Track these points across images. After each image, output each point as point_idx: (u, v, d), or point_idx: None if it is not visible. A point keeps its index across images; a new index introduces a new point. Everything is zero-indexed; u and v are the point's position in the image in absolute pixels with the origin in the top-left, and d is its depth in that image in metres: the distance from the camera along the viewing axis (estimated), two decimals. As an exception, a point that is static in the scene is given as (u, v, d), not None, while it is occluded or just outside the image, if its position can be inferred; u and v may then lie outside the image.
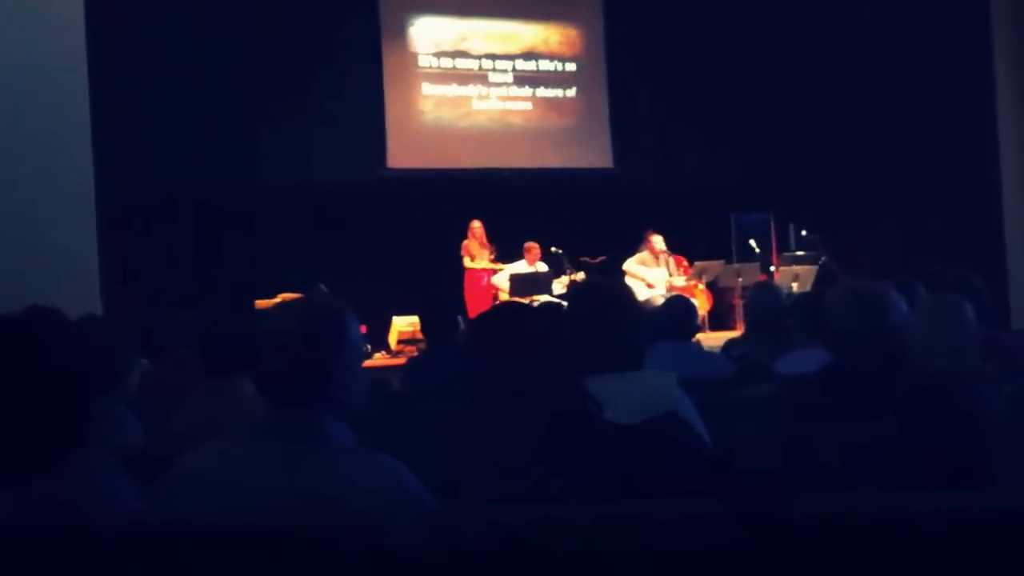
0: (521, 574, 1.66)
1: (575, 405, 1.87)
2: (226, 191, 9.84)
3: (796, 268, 9.85)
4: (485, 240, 10.21)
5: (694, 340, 4.67)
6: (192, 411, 2.94)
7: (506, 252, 10.18)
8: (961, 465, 2.14)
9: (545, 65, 11.51)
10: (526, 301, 9.09)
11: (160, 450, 2.46)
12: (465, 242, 10.19)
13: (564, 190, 10.89)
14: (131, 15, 9.36)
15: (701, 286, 10.21)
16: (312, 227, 10.14)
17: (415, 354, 7.31)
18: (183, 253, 9.94)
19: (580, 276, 9.88)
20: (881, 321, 2.66)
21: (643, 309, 2.41)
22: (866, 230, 10.21)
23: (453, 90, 11.16)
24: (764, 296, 4.47)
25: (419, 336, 7.61)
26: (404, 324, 9.31)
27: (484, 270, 10.20)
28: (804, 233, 10.66)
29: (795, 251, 10.77)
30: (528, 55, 11.45)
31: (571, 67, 11.61)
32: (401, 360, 7.72)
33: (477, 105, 11.25)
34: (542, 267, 10.11)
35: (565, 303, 5.21)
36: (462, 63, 11.20)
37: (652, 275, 10.13)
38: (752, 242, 10.82)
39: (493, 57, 11.31)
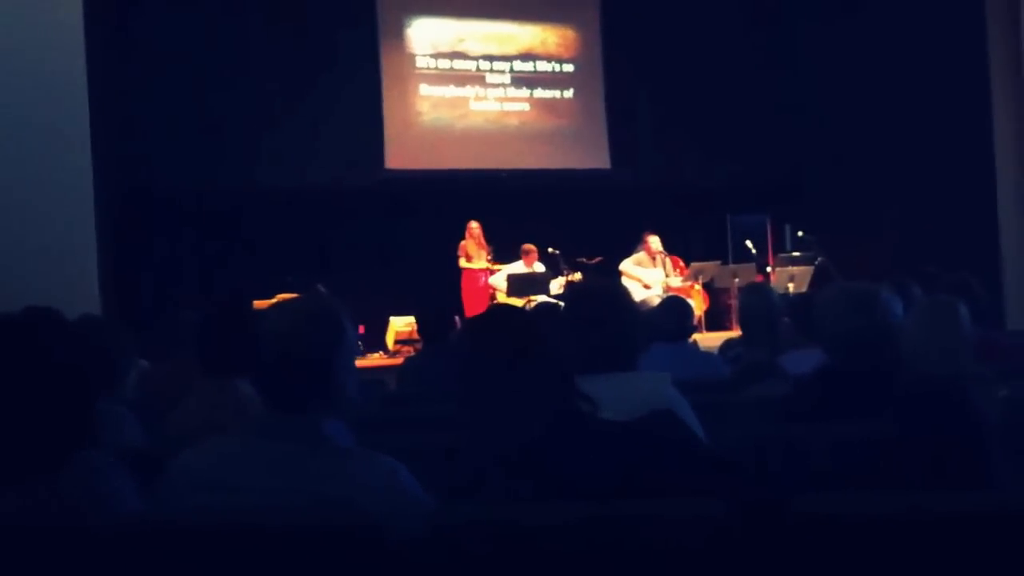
0: (517, 573, 1.67)
1: (570, 405, 1.89)
2: (225, 191, 9.85)
3: (792, 269, 9.86)
4: (483, 241, 10.22)
5: (690, 341, 4.69)
6: (190, 411, 2.94)
7: (503, 253, 10.19)
8: (956, 466, 2.15)
9: (542, 66, 11.52)
10: (523, 302, 9.12)
11: (158, 450, 2.47)
12: (462, 243, 10.20)
13: (561, 191, 10.91)
14: (131, 16, 9.37)
15: (697, 287, 10.23)
16: (310, 228, 10.15)
17: (412, 354, 7.32)
18: (182, 253, 9.95)
19: (577, 277, 9.89)
20: (872, 321, 2.67)
21: (639, 310, 2.42)
22: (862, 232, 10.24)
23: (451, 91, 11.17)
24: (756, 297, 4.47)
25: (416, 336, 7.62)
26: (402, 324, 9.31)
27: (481, 270, 10.21)
28: (800, 234, 10.67)
29: (791, 252, 10.78)
30: (525, 56, 11.46)
31: (568, 68, 11.62)
32: (399, 360, 7.73)
33: (474, 106, 11.26)
34: (540, 268, 10.12)
35: (562, 304, 5.21)
36: (460, 64, 11.21)
37: (649, 276, 10.14)
38: (748, 243, 10.84)
39: (490, 58, 11.32)
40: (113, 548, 1.72)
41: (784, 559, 1.63)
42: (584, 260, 10.15)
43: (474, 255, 10.21)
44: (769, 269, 10.55)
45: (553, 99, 11.55)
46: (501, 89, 11.36)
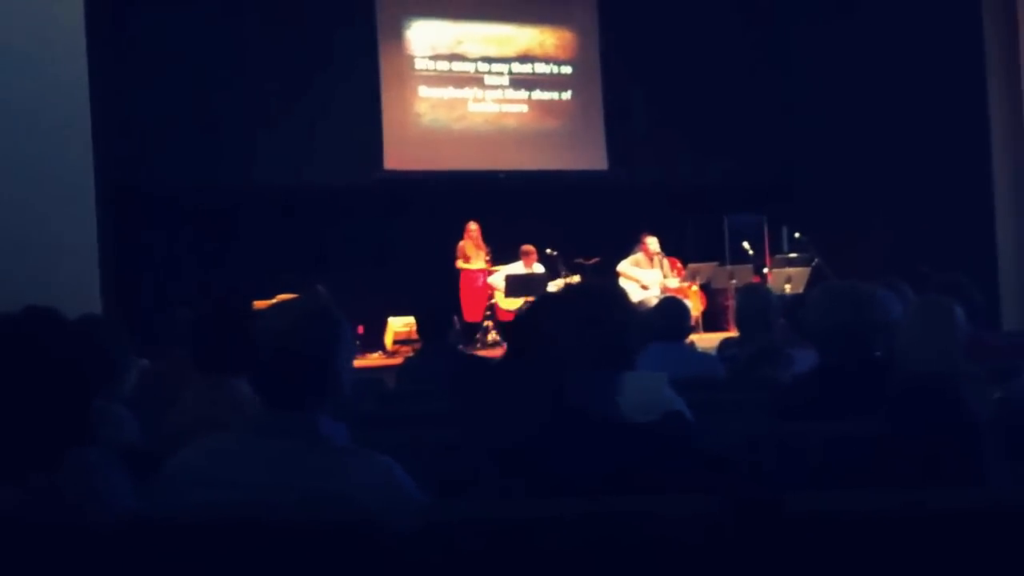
0: (514, 570, 1.67)
1: (568, 404, 1.90)
2: (224, 191, 9.85)
3: (789, 270, 9.86)
4: (481, 241, 10.23)
5: (687, 341, 4.70)
6: (188, 409, 2.95)
7: (501, 253, 10.20)
8: (948, 464, 2.16)
9: (540, 68, 11.53)
10: (521, 302, 9.13)
11: (156, 448, 2.48)
12: (460, 243, 10.21)
13: (559, 192, 10.92)
14: (131, 15, 9.37)
15: (694, 288, 10.24)
16: (309, 228, 10.15)
17: (411, 354, 7.32)
18: (181, 253, 9.95)
19: (576, 279, 9.89)
20: (858, 316, 2.69)
21: (635, 309, 2.43)
22: (858, 232, 10.24)
23: (449, 93, 11.17)
24: (752, 297, 4.48)
25: (415, 336, 7.62)
26: (400, 325, 9.32)
27: (479, 271, 10.22)
28: (797, 235, 10.67)
29: (788, 253, 10.78)
30: (524, 58, 11.47)
31: (566, 70, 11.63)
32: (397, 360, 7.73)
33: (473, 107, 11.26)
34: (539, 269, 10.12)
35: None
36: (458, 66, 11.22)
37: (646, 277, 10.15)
38: (745, 244, 10.84)
39: (489, 60, 11.33)
40: (110, 545, 1.73)
41: (778, 556, 1.63)
42: (582, 261, 10.16)
43: (472, 256, 10.22)
44: (766, 270, 10.56)
45: (551, 100, 11.56)
46: (499, 91, 11.37)
